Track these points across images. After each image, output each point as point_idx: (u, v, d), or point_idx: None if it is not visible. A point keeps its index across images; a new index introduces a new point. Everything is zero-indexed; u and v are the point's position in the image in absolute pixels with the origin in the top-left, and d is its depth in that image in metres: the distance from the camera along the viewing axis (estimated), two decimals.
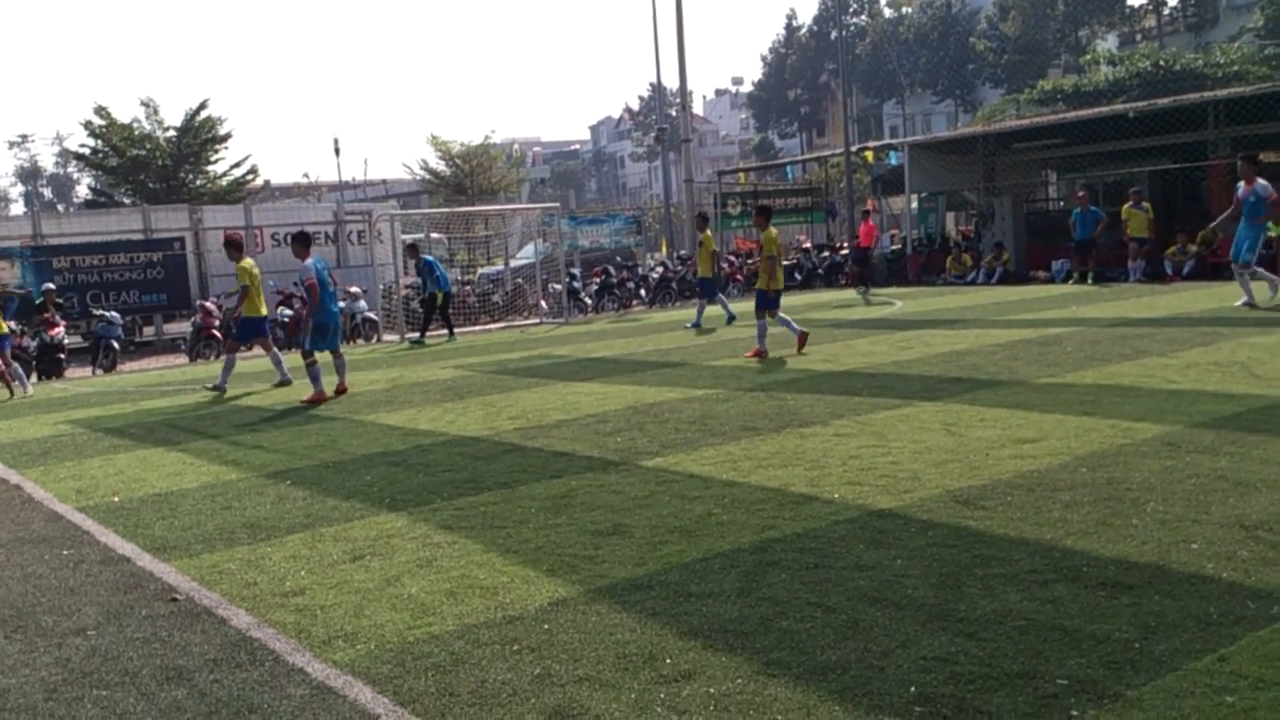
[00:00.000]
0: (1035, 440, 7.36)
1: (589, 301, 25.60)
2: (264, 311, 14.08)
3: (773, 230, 13.93)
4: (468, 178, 45.01)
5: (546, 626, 4.47)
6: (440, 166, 46.33)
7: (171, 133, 39.61)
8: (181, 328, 23.88)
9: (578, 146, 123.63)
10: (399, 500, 6.96)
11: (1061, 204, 30.06)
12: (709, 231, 19.86)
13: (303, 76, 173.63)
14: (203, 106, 39.69)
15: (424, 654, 4.27)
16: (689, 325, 18.98)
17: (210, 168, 40.62)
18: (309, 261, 12.45)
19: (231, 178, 40.96)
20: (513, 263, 28.98)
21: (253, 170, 42.20)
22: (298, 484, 7.73)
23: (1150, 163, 26.19)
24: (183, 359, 20.60)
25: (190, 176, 39.71)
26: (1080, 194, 23.60)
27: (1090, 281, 22.56)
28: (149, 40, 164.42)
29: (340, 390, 12.71)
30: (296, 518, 6.71)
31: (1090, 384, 9.56)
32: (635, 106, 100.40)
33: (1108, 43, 61.68)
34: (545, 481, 7.21)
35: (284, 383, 14.06)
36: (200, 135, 39.43)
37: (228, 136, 40.15)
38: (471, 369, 14.74)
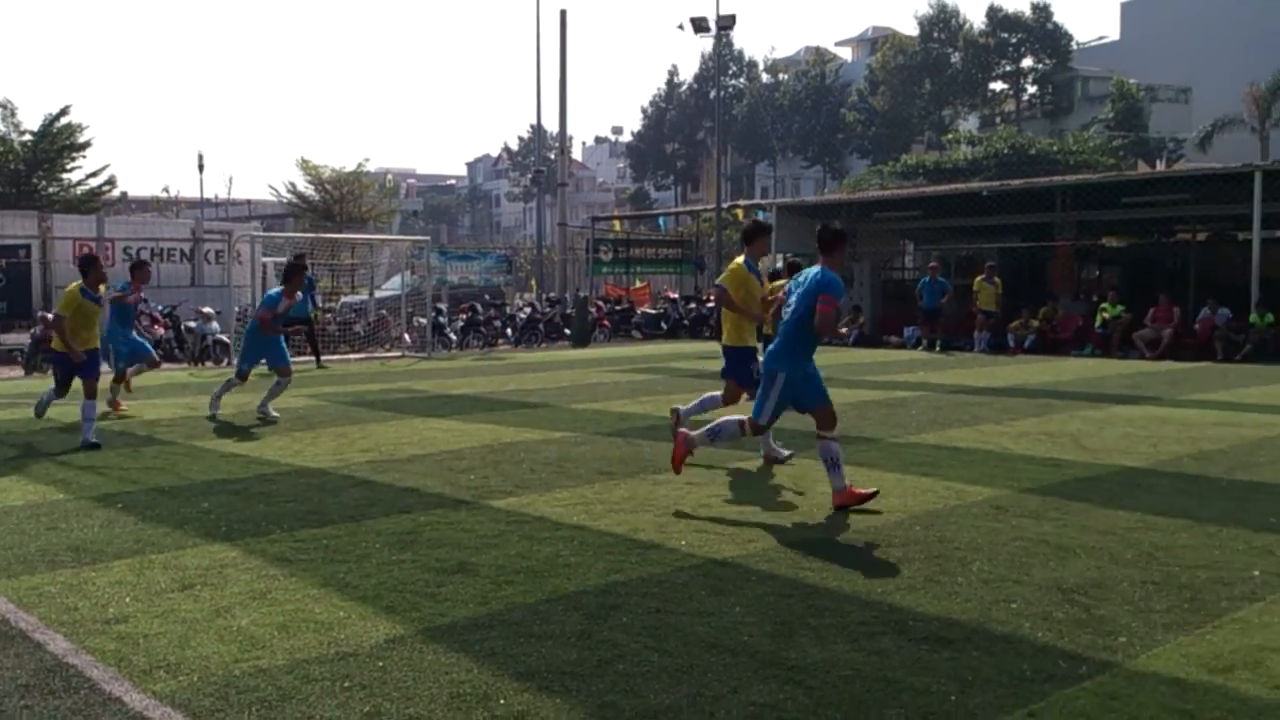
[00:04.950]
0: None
1: (454, 337, 25.36)
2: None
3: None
4: (337, 204, 44.27)
5: (381, 664, 4.40)
6: (309, 191, 45.44)
7: (28, 137, 38.28)
8: (20, 339, 22.70)
9: (454, 182, 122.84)
10: (236, 529, 6.75)
11: (917, 273, 31.31)
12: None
13: (170, 88, 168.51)
14: (64, 112, 38.51)
15: (249, 688, 4.15)
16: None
17: (66, 175, 39.35)
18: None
19: (87, 187, 39.70)
20: (378, 293, 28.54)
21: (110, 181, 40.90)
22: (129, 508, 7.42)
23: (1001, 240, 27.54)
24: (18, 371, 19.58)
25: (43, 183, 38.40)
26: (933, 265, 24.60)
27: (937, 349, 23.46)
28: (10, 42, 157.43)
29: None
30: (125, 543, 6.44)
31: (930, 446, 9.94)
32: (514, 146, 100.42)
33: (969, 123, 64.77)
34: (393, 517, 7.10)
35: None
36: (58, 141, 38.21)
37: (87, 145, 39.07)
38: (326, 399, 14.42)
